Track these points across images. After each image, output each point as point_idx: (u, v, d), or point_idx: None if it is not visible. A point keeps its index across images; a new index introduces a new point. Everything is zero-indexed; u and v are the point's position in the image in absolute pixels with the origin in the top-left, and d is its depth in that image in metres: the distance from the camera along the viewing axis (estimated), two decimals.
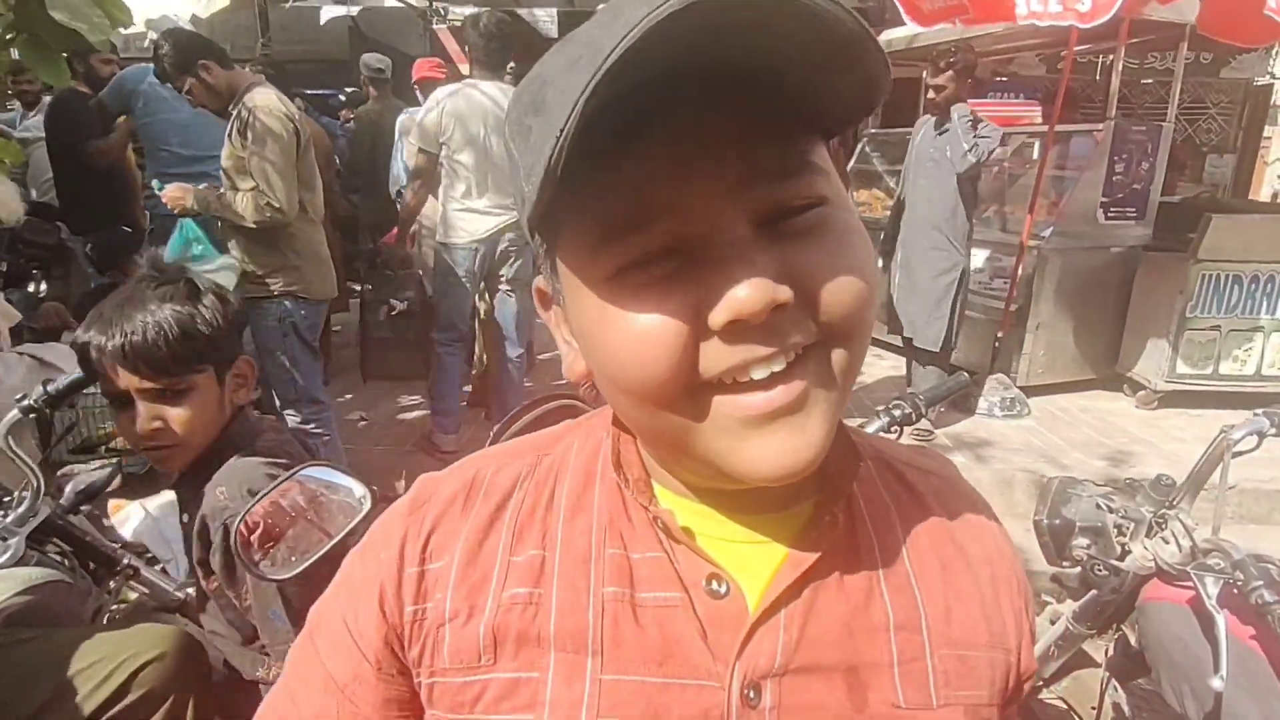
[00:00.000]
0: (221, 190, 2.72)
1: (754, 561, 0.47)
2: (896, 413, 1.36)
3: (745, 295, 0.37)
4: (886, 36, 4.74)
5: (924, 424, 3.84)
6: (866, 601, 0.47)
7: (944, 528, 0.52)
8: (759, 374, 0.39)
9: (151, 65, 3.72)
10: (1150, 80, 6.77)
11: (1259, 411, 1.42)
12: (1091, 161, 4.10)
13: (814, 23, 0.34)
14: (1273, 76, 7.59)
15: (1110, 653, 1.51)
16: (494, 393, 3.65)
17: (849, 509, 0.50)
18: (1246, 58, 7.14)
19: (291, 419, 2.86)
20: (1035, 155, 4.66)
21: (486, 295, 3.52)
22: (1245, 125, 7.34)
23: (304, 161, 2.75)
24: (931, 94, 3.65)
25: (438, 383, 3.47)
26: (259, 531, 0.90)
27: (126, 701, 1.04)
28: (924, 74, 4.47)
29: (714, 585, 0.46)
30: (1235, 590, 1.13)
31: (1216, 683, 1.05)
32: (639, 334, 0.39)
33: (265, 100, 2.65)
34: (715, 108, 0.38)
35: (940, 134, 3.60)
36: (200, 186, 2.80)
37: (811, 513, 0.48)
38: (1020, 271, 4.11)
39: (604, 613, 0.45)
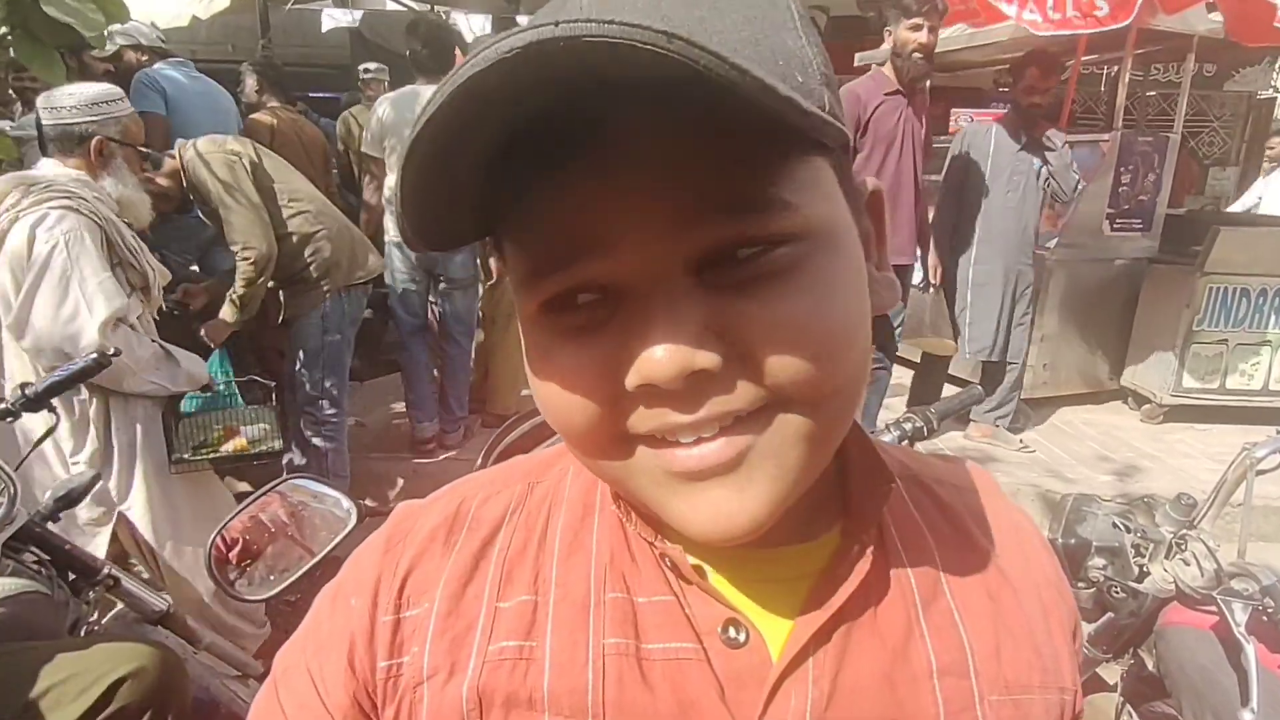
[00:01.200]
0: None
1: (775, 602, 0.41)
2: (908, 426, 1.31)
3: (656, 360, 0.31)
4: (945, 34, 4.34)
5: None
6: (905, 644, 0.41)
7: (987, 553, 0.46)
8: (685, 438, 0.34)
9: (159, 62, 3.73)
10: (1154, 92, 6.76)
11: (1278, 429, 1.37)
12: (1097, 173, 4.06)
13: (692, 73, 0.26)
14: (1276, 90, 7.58)
15: (1125, 675, 1.46)
16: (443, 387, 3.72)
17: (880, 537, 0.43)
18: (1250, 71, 7.14)
19: (308, 420, 2.90)
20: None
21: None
22: (1248, 138, 7.34)
23: (265, 171, 2.72)
24: (1033, 100, 3.39)
25: (406, 374, 3.62)
26: (237, 548, 0.85)
27: (105, 715, 0.99)
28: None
29: (731, 632, 0.40)
30: (1265, 617, 1.07)
31: (1247, 716, 1.00)
32: (561, 382, 0.35)
33: (192, 155, 2.63)
34: (656, 125, 0.30)
35: (1021, 148, 3.45)
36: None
37: (838, 542, 0.42)
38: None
39: (606, 669, 0.40)
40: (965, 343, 3.70)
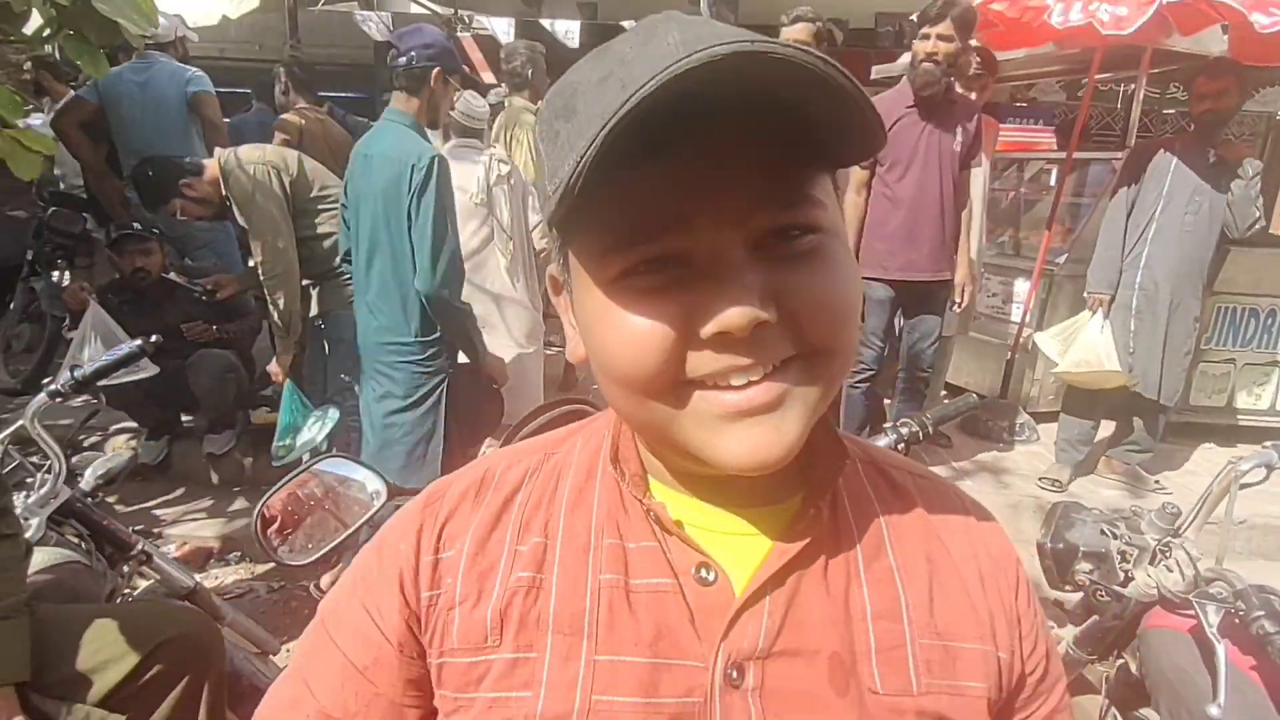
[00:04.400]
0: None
1: (742, 552, 0.50)
2: (904, 430, 1.37)
3: (733, 313, 0.40)
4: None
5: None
6: (847, 592, 0.50)
7: (930, 526, 0.55)
8: (738, 380, 0.43)
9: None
10: (1172, 110, 6.77)
11: (1269, 444, 1.42)
12: (1109, 189, 4.10)
13: (821, 81, 0.37)
14: None
15: (1110, 679, 1.51)
16: None
17: (834, 504, 0.53)
18: (1270, 91, 7.11)
19: (335, 408, 2.97)
20: (1053, 181, 4.66)
21: None
22: (1267, 159, 7.31)
23: (305, 178, 2.86)
24: (1204, 106, 3.18)
25: None
26: (279, 519, 0.93)
27: (145, 677, 1.07)
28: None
29: (703, 573, 0.49)
30: (1237, 620, 1.13)
31: (1214, 710, 1.06)
32: (635, 334, 0.43)
33: (230, 163, 2.75)
34: (729, 134, 0.40)
35: (1209, 168, 3.21)
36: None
37: (799, 508, 0.52)
38: (1034, 296, 4.11)
39: (600, 598, 0.49)
40: (1133, 377, 3.40)
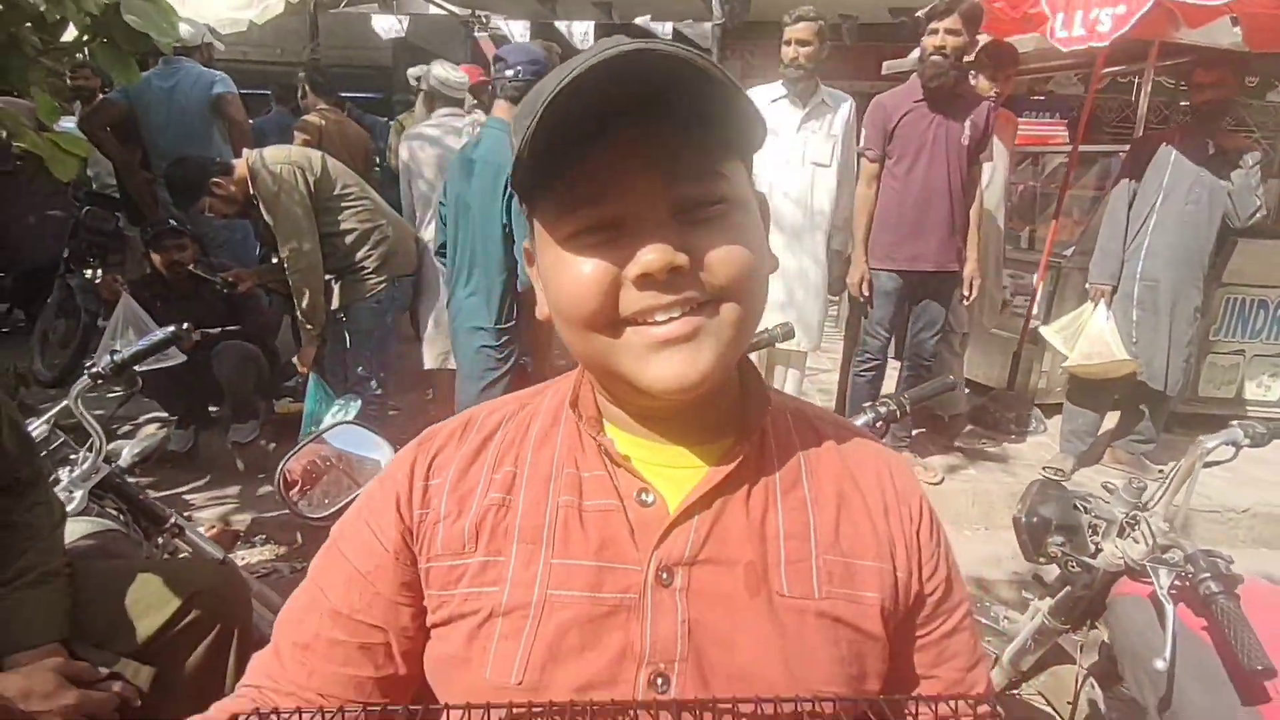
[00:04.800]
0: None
1: (678, 481, 0.61)
2: (882, 410, 1.44)
3: (652, 257, 0.52)
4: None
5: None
6: (764, 515, 0.60)
7: (845, 465, 0.65)
8: (660, 317, 0.54)
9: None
10: (1186, 102, 6.70)
11: (1234, 423, 1.49)
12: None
13: (701, 70, 0.49)
14: None
15: (1083, 649, 1.58)
16: None
17: (761, 445, 0.63)
18: None
19: (357, 398, 3.10)
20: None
21: None
22: None
23: (329, 178, 2.99)
24: (1204, 97, 3.25)
25: None
26: (299, 478, 1.04)
27: (180, 626, 1.19)
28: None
29: (643, 497, 0.60)
30: (1187, 583, 1.20)
31: (1159, 664, 1.13)
32: (580, 278, 0.54)
33: (258, 163, 2.89)
34: (654, 126, 0.52)
35: (1209, 158, 3.23)
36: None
37: (729, 446, 0.62)
38: (1041, 289, 4.14)
39: (558, 515, 0.60)
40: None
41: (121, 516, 1.67)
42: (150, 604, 1.18)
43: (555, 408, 0.67)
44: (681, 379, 0.54)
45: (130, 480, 1.71)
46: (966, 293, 3.43)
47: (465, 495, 0.62)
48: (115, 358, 1.55)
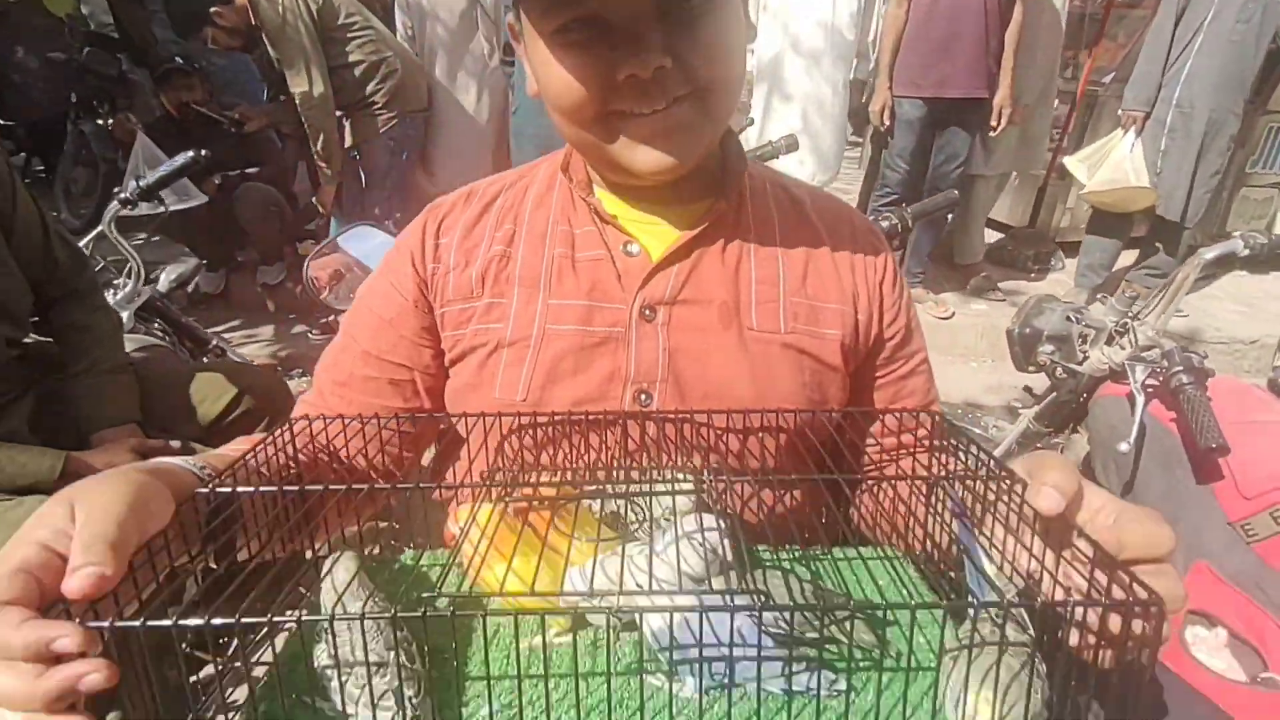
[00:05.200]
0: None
1: (661, 236, 0.68)
2: (885, 225, 1.48)
3: (640, 60, 0.54)
4: None
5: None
6: (739, 263, 0.68)
7: (816, 226, 0.72)
8: (646, 110, 0.58)
9: None
10: None
11: (1236, 234, 1.50)
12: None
13: None
14: None
15: (1064, 452, 1.69)
16: None
17: (739, 206, 0.70)
18: None
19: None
20: None
21: None
22: None
23: (332, 5, 2.84)
24: None
25: None
26: (325, 278, 1.12)
27: (234, 414, 1.33)
28: None
29: (629, 248, 0.68)
30: (1161, 378, 1.27)
31: (1123, 446, 1.23)
32: (569, 79, 0.57)
33: None
34: None
35: None
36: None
37: (709, 206, 0.68)
38: (1074, 119, 3.97)
39: (553, 264, 0.68)
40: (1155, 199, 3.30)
41: (167, 338, 1.79)
42: (207, 397, 1.32)
43: (550, 174, 0.73)
44: (668, 166, 0.60)
45: (171, 306, 1.82)
46: (995, 123, 3.25)
47: (471, 249, 0.70)
48: (141, 183, 1.61)
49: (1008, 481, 0.46)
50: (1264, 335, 3.37)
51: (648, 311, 0.66)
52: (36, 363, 1.29)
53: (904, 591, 0.55)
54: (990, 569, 0.46)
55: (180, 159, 1.60)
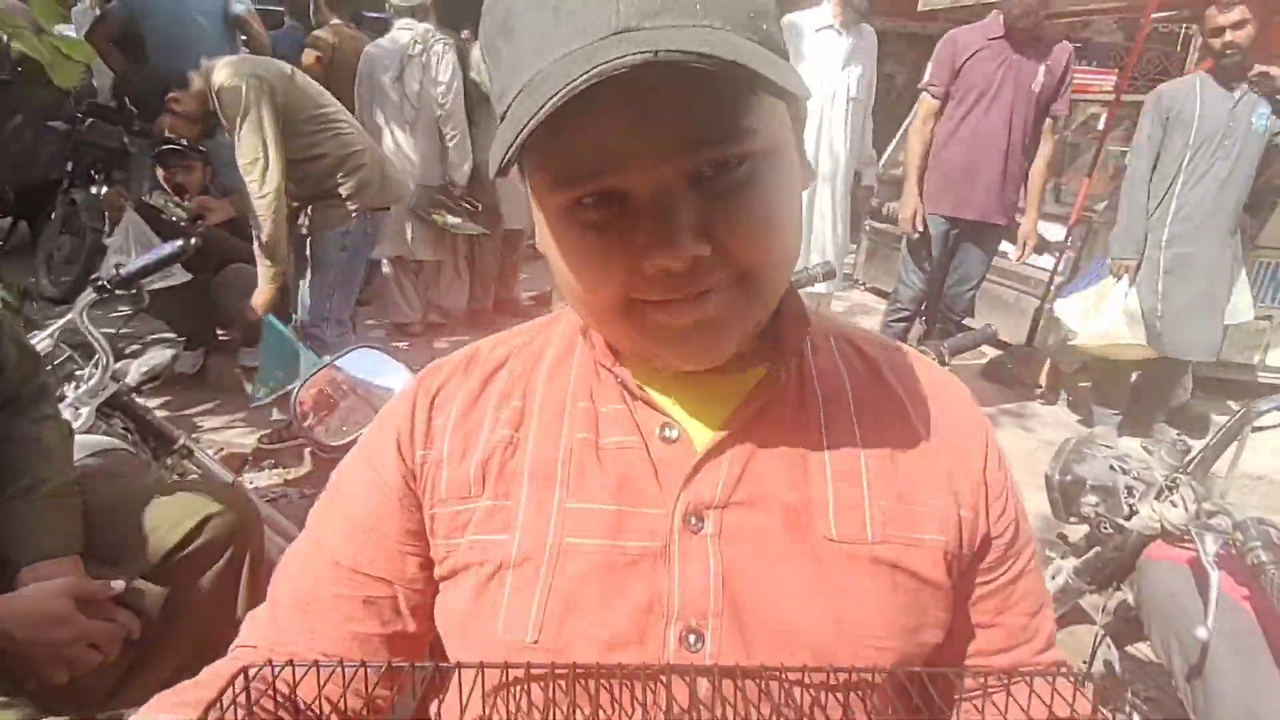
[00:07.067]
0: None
1: (705, 415, 0.55)
2: None
3: (671, 252, 0.43)
4: None
5: None
6: (808, 450, 0.53)
7: (897, 394, 0.58)
8: (678, 295, 0.46)
9: None
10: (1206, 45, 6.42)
11: None
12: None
13: (729, 65, 0.38)
14: None
15: (1105, 609, 1.56)
16: None
17: (800, 372, 0.56)
18: None
19: (315, 335, 2.91)
20: (1100, 126, 4.50)
21: None
22: None
23: (298, 90, 2.68)
24: (1219, 40, 2.83)
25: None
26: (313, 405, 0.99)
27: (191, 548, 1.16)
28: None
29: (666, 432, 0.54)
30: (1234, 550, 1.15)
31: (1201, 632, 1.09)
32: (585, 263, 0.47)
33: (220, 77, 2.56)
34: (660, 79, 0.39)
35: (1237, 104, 2.88)
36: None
37: (764, 374, 0.55)
38: (1069, 243, 4.02)
39: (572, 453, 0.54)
40: (1161, 341, 3.20)
41: (130, 436, 1.63)
42: (162, 525, 1.15)
43: (569, 335, 0.60)
44: (702, 361, 0.50)
45: (138, 400, 1.67)
46: (1019, 253, 3.27)
47: (471, 433, 0.56)
48: (121, 270, 1.49)
49: None
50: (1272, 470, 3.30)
51: (693, 520, 0.51)
52: None
53: None
54: None
55: (168, 248, 1.49)
